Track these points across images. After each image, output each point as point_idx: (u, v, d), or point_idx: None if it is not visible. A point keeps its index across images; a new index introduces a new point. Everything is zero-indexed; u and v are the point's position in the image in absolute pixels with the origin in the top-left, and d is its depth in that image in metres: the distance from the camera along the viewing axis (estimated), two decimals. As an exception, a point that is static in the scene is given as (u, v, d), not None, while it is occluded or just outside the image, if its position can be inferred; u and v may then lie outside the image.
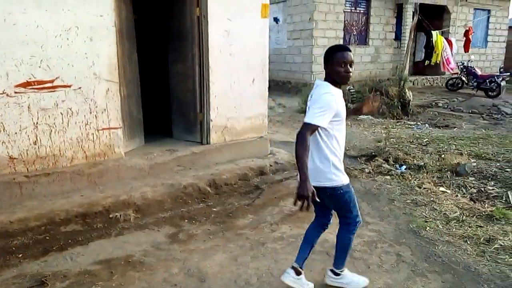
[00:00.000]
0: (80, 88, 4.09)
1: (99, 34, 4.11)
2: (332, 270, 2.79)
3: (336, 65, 2.40)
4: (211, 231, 3.69)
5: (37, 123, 3.92)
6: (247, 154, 5.44)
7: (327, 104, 2.33)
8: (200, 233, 3.65)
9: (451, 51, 14.34)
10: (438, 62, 14.51)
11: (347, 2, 13.71)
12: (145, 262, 3.14)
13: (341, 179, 2.52)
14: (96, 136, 4.33)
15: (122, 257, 3.21)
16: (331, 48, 2.49)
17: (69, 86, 4.03)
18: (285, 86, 14.54)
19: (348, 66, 2.42)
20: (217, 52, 4.93)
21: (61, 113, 4.03)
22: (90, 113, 4.23)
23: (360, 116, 9.52)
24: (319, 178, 2.44)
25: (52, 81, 3.93)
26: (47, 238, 3.47)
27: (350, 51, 2.45)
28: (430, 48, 14.48)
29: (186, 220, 3.91)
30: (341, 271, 2.76)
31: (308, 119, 2.32)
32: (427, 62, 14.68)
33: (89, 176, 4.26)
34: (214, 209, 4.18)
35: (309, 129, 2.29)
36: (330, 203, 2.62)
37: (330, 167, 2.47)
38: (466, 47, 15.58)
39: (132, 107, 4.90)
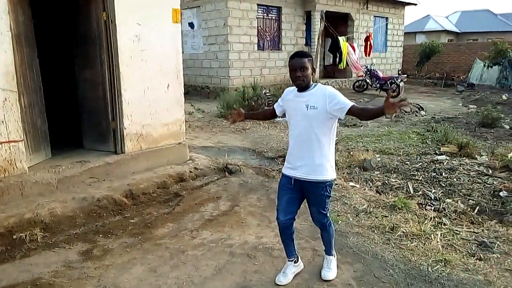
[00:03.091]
0: (-29, 98, 3.70)
1: (-9, 40, 3.76)
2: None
3: (290, 71, 2.65)
4: (129, 243, 3.55)
5: None
6: (166, 161, 5.34)
7: None
8: (117, 247, 3.49)
9: (356, 55, 15.44)
10: (346, 66, 15.57)
11: (259, 9, 14.10)
12: (55, 283, 2.92)
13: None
14: (-7, 151, 3.94)
15: (28, 281, 2.95)
16: (292, 54, 2.69)
17: (-43, 97, 3.62)
18: (203, 91, 14.50)
19: (296, 71, 2.59)
20: (127, 58, 4.76)
21: None
22: (-15, 126, 3.84)
23: (276, 119, 9.82)
24: None
25: None
26: None
27: (302, 56, 2.61)
28: (339, 53, 15.44)
29: (101, 235, 3.72)
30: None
31: None
32: (340, 66, 15.63)
33: (-13, 195, 3.86)
34: (132, 221, 4.03)
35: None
36: None
37: None
38: (367, 52, 16.84)
39: (35, 117, 4.54)
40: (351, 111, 2.51)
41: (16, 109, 4.05)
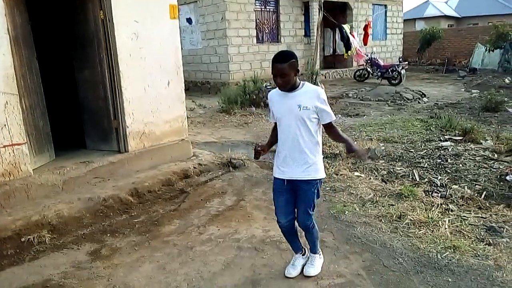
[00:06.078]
0: (-28, 103, 3.69)
1: (-10, 43, 3.74)
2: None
3: (272, 74, 2.55)
4: (136, 242, 3.56)
5: None
6: (169, 158, 5.33)
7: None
8: (124, 245, 3.50)
9: (356, 43, 15.38)
10: (354, 54, 15.53)
11: (257, 1, 14.00)
12: (65, 284, 2.93)
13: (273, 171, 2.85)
14: (-3, 155, 3.94)
15: (39, 283, 2.96)
16: (274, 56, 2.58)
17: (-41, 102, 3.62)
18: (204, 87, 14.47)
19: (276, 78, 2.53)
20: (126, 56, 4.74)
21: (-49, 132, 3.60)
22: (-12, 130, 3.84)
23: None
24: None
25: None
26: None
27: (282, 61, 2.49)
28: (346, 39, 15.32)
29: (108, 234, 3.72)
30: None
31: None
32: (346, 55, 15.55)
33: (-7, 199, 3.87)
34: (138, 219, 4.04)
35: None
36: None
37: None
38: (365, 41, 16.77)
39: (37, 119, 4.54)
40: (328, 126, 2.67)
41: (17, 112, 4.04)
